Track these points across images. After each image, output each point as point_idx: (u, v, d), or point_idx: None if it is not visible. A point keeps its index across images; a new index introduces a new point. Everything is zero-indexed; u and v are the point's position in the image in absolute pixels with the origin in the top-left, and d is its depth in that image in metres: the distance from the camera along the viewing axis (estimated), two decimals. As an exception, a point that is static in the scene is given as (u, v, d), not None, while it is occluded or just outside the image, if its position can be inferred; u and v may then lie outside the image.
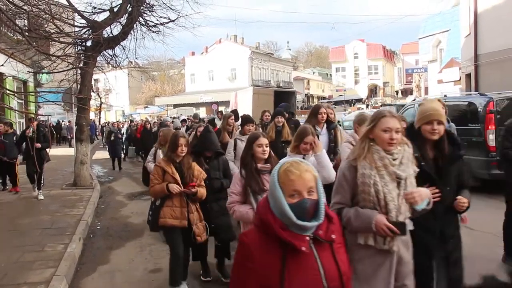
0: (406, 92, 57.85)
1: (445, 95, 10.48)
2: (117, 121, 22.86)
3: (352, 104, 48.37)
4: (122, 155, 17.67)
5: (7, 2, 7.53)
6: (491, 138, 8.19)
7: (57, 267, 5.19)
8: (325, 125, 5.83)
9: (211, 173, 4.75)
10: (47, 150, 9.91)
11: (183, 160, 4.43)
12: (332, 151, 5.61)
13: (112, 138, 16.06)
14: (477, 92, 12.12)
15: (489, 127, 8.22)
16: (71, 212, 8.24)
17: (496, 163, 7.99)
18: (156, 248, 6.29)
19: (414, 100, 16.00)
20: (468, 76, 18.02)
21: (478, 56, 16.24)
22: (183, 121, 14.69)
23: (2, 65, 5.95)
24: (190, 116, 19.09)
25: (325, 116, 5.77)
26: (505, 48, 14.07)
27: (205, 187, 4.50)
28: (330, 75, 73.61)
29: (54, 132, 29.41)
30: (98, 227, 7.79)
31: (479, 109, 8.45)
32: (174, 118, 18.55)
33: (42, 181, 9.79)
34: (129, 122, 23.18)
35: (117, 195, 10.92)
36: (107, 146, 20.99)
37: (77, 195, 9.89)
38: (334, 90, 64.88)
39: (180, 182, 4.28)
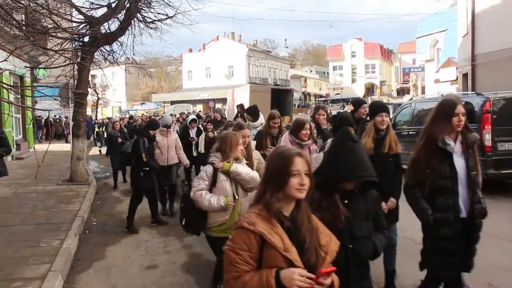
0: (403, 91, 57.90)
1: (442, 95, 10.54)
2: (117, 118, 19.83)
3: (349, 103, 48.40)
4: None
5: (4, -4, 7.48)
6: (488, 138, 8.25)
7: (52, 263, 5.18)
8: (459, 137, 3.34)
9: (356, 227, 2.44)
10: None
11: (300, 213, 2.02)
12: (474, 194, 3.22)
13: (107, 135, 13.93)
14: (473, 92, 12.17)
15: (486, 127, 8.28)
16: (67, 207, 8.20)
17: (492, 163, 8.09)
18: (152, 245, 6.32)
19: (411, 99, 16.04)
20: (465, 75, 18.05)
21: (475, 56, 16.26)
22: (193, 121, 9.92)
23: (5, 60, 5.89)
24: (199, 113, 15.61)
25: (463, 119, 3.29)
26: (502, 48, 14.10)
27: (345, 257, 2.35)
28: (327, 73, 73.54)
29: (49, 127, 29.19)
30: (94, 223, 7.77)
31: (475, 109, 8.49)
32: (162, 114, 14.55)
33: None
34: (128, 119, 20.74)
35: (113, 191, 10.89)
36: (105, 150, 19.30)
37: (73, 191, 9.85)
38: (331, 89, 64.84)
39: (302, 266, 1.89)
